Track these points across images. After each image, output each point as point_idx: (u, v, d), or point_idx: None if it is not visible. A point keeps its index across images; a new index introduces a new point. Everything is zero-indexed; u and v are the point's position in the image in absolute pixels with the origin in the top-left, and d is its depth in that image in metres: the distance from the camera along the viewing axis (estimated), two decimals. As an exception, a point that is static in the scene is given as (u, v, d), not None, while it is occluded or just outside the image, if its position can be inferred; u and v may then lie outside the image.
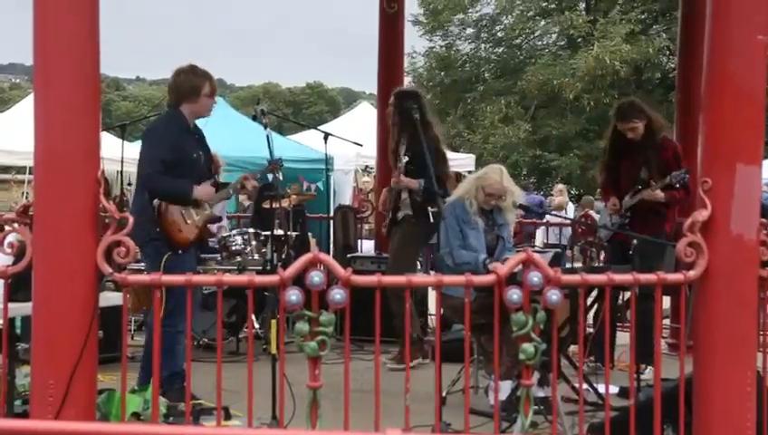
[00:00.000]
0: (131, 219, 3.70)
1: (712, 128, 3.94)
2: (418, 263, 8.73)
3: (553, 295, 3.66)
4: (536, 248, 9.32)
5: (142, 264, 7.79)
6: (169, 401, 5.10)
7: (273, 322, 4.90)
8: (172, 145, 5.60)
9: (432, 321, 7.85)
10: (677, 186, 6.43)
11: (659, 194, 6.49)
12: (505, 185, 5.97)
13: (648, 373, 5.89)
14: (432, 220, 6.24)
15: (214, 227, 7.49)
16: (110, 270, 3.62)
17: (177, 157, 5.59)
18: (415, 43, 31.44)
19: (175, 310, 5.16)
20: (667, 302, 6.96)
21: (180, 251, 5.61)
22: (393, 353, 6.87)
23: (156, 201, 5.56)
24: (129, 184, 10.20)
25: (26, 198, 15.59)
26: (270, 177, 6.15)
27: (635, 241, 6.05)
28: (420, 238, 7.01)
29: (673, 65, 25.59)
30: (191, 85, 5.67)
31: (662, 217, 6.61)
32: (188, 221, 5.66)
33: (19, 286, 4.02)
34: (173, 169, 5.57)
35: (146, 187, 5.63)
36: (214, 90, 5.79)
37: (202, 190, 5.70)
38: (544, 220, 11.14)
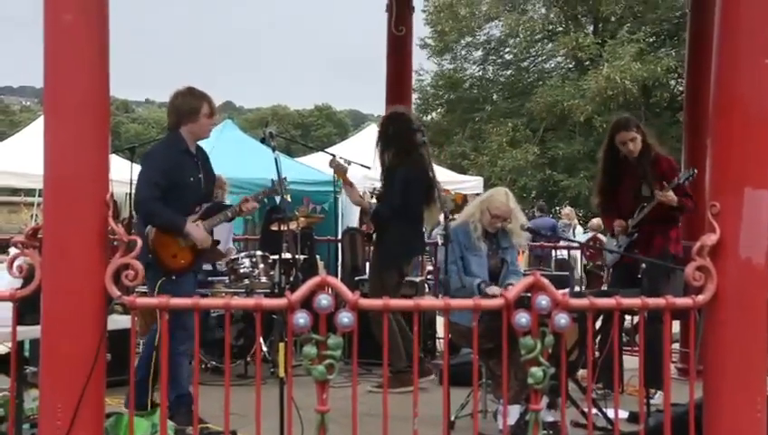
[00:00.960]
0: (140, 242, 3.70)
1: (720, 151, 3.93)
2: (426, 285, 8.70)
3: (562, 319, 3.64)
4: (545, 272, 9.29)
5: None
6: (177, 425, 5.08)
7: (281, 345, 4.87)
8: (167, 169, 5.56)
9: (440, 344, 7.83)
10: (686, 184, 6.40)
11: (672, 196, 6.39)
12: (511, 207, 5.97)
13: (657, 398, 5.85)
14: (416, 249, 6.33)
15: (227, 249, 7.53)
16: (119, 293, 3.62)
17: (172, 181, 5.55)
18: (423, 62, 31.57)
19: (175, 332, 5.06)
20: (676, 326, 6.93)
21: (174, 277, 5.55)
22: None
23: (148, 227, 5.53)
24: (138, 206, 10.19)
25: (35, 220, 15.64)
26: (277, 199, 6.12)
27: (643, 265, 6.04)
28: (383, 266, 6.97)
29: (681, 88, 25.59)
30: (190, 107, 5.66)
31: (666, 238, 6.54)
32: (183, 245, 5.62)
33: (27, 309, 4.02)
34: (168, 192, 5.53)
35: (138, 211, 5.63)
36: (213, 111, 5.77)
37: (195, 231, 5.62)
38: (552, 243, 11.11)
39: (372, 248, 7.19)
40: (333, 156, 7.66)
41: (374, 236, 7.13)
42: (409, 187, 6.70)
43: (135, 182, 5.70)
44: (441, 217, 6.36)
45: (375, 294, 6.63)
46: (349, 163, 7.22)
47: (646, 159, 6.56)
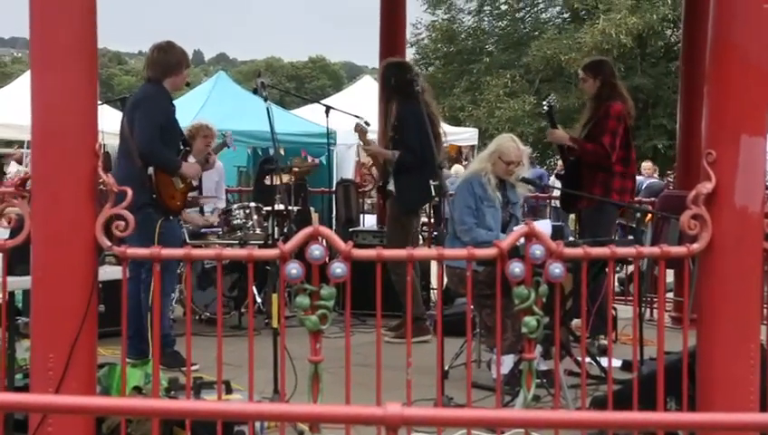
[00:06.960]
0: (130, 192, 3.66)
1: (716, 99, 3.88)
2: (420, 237, 8.68)
3: (556, 269, 3.62)
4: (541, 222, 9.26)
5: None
6: (163, 366, 5.14)
7: (274, 296, 4.87)
8: (165, 113, 5.99)
9: (434, 295, 7.83)
10: (546, 108, 6.81)
11: (558, 134, 6.68)
12: (521, 148, 5.93)
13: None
14: (433, 193, 6.22)
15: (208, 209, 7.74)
16: (109, 244, 3.59)
17: (168, 125, 5.97)
18: (419, 15, 31.32)
19: (163, 273, 5.23)
20: (671, 275, 6.92)
21: (171, 217, 6.02)
22: (392, 327, 6.82)
23: (151, 169, 5.86)
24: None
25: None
26: (271, 151, 6.22)
27: (638, 214, 6.02)
28: (404, 212, 6.92)
29: (677, 37, 25.40)
30: (176, 61, 6.09)
31: (608, 189, 6.49)
32: (176, 188, 6.08)
33: (18, 260, 3.99)
34: (163, 136, 5.92)
35: (144, 152, 5.85)
36: (189, 64, 6.32)
37: (189, 168, 6.15)
38: (546, 194, 11.05)
39: (391, 199, 7.07)
40: (328, 108, 7.61)
41: (389, 185, 7.03)
42: (422, 128, 6.53)
43: (135, 128, 5.92)
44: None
45: (398, 242, 6.48)
46: (368, 124, 7.26)
47: (594, 107, 6.67)
